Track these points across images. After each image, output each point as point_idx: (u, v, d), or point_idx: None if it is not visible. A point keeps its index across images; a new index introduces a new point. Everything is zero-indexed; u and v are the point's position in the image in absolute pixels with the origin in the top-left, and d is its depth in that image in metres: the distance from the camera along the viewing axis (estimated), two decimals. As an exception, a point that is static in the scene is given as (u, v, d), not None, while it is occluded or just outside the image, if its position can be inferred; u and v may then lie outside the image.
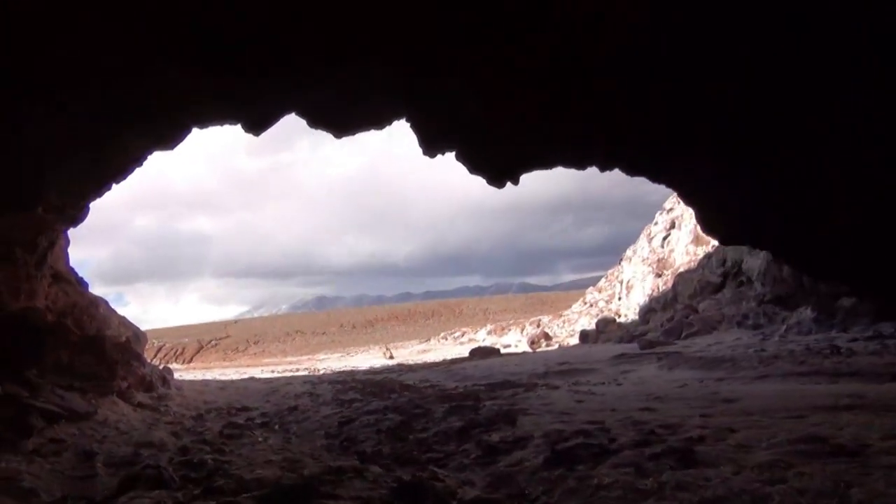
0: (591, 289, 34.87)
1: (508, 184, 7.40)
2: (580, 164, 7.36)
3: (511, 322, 29.56)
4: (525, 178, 7.31)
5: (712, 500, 2.83)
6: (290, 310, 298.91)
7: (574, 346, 19.66)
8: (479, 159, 7.28)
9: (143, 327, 13.00)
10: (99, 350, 8.36)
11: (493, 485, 3.64)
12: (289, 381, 16.32)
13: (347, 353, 37.33)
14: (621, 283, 25.38)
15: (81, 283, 10.41)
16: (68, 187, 8.09)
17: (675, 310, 17.68)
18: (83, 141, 6.68)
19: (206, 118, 7.18)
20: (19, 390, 5.93)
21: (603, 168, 7.39)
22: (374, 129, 7.22)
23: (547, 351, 19.67)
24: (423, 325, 61.81)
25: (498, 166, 7.35)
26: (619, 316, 22.92)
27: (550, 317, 29.59)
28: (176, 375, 23.68)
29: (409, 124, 7.09)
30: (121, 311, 11.33)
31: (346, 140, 7.27)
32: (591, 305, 27.62)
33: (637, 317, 20.90)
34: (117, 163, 8.03)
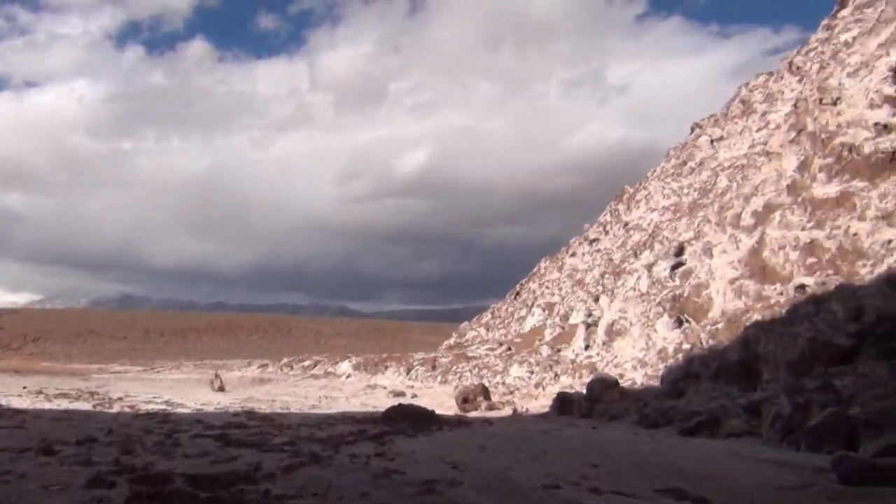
0: (466, 323, 29.70)
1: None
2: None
3: (385, 357, 23.40)
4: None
5: None
6: (90, 306, 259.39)
7: (551, 419, 9.80)
8: None
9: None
10: None
11: None
12: (38, 415, 8.92)
13: (152, 367, 28.79)
14: (587, 325, 17.53)
15: None
16: None
17: (766, 386, 8.58)
18: None
19: None
20: None
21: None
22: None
23: (521, 427, 8.73)
24: (245, 342, 53.23)
25: None
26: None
27: (443, 352, 23.51)
28: None
29: None
30: None
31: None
32: (501, 345, 21.75)
33: (650, 382, 12.99)
34: None
